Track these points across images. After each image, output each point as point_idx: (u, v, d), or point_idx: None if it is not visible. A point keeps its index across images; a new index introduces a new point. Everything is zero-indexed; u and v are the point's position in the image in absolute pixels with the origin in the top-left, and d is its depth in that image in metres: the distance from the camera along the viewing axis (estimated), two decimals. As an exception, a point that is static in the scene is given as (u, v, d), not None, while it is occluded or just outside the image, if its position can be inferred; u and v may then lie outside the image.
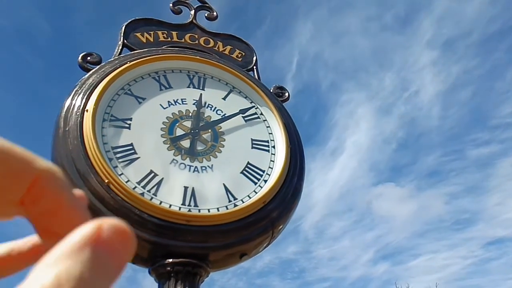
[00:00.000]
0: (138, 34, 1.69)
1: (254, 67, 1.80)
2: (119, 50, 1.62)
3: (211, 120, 1.49)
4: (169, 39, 1.74)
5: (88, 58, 1.54)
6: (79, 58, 1.53)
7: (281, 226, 1.39)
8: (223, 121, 1.49)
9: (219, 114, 1.51)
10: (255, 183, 1.40)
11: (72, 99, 1.36)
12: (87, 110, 1.31)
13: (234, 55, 1.80)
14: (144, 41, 1.68)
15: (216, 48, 1.79)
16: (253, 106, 1.58)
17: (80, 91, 1.38)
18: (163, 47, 1.66)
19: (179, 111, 1.46)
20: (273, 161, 1.46)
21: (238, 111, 1.53)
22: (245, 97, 1.61)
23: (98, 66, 1.49)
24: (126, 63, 1.47)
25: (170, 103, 1.46)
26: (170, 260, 1.20)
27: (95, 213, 1.19)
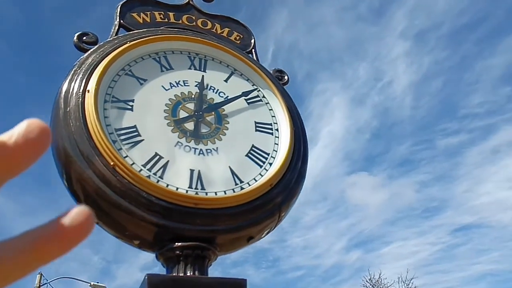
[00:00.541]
0: (135, 14, 1.63)
1: (253, 50, 1.77)
2: (116, 30, 1.57)
3: (214, 102, 1.46)
4: (166, 20, 1.69)
5: (84, 38, 1.48)
6: (75, 37, 1.47)
7: (286, 210, 1.38)
8: (226, 104, 1.46)
9: (222, 97, 1.49)
10: (261, 166, 1.38)
11: (71, 80, 1.31)
12: (88, 91, 1.26)
13: (232, 38, 1.77)
14: (141, 21, 1.63)
15: (214, 30, 1.75)
16: (255, 89, 1.56)
17: (79, 71, 1.33)
18: (161, 28, 1.61)
19: (181, 92, 1.42)
20: (277, 144, 1.45)
21: (240, 93, 1.51)
22: (247, 80, 1.58)
23: (96, 46, 1.44)
24: (126, 43, 1.42)
25: (172, 85, 1.43)
26: (179, 243, 1.17)
27: (101, 197, 1.15)
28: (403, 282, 17.46)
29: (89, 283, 15.10)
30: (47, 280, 14.78)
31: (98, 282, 15.13)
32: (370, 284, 17.75)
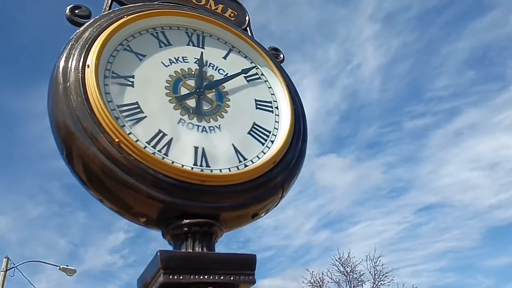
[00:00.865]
0: (128, -12, 1.58)
1: (248, 27, 1.75)
2: (109, 4, 1.51)
3: (214, 79, 1.44)
4: (159, -6, 1.64)
5: (77, 11, 1.43)
6: (67, 10, 1.41)
7: (288, 188, 1.39)
8: (226, 81, 1.45)
9: (222, 74, 1.47)
10: (263, 144, 1.38)
11: (68, 54, 1.26)
12: (88, 66, 1.22)
13: (226, 14, 1.74)
14: (134, -5, 1.58)
15: (208, 6, 1.72)
16: (254, 66, 1.55)
17: (76, 45, 1.28)
18: (157, 2, 1.57)
19: (181, 69, 1.40)
20: (278, 122, 1.45)
21: (240, 71, 1.49)
22: (245, 57, 1.57)
23: (92, 20, 1.39)
24: (123, 17, 1.38)
25: (171, 61, 1.40)
26: (187, 220, 1.17)
27: (107, 174, 1.13)
28: (371, 260, 17.98)
29: (58, 266, 14.85)
30: (14, 264, 14.44)
31: (67, 266, 14.90)
32: (340, 263, 18.20)
